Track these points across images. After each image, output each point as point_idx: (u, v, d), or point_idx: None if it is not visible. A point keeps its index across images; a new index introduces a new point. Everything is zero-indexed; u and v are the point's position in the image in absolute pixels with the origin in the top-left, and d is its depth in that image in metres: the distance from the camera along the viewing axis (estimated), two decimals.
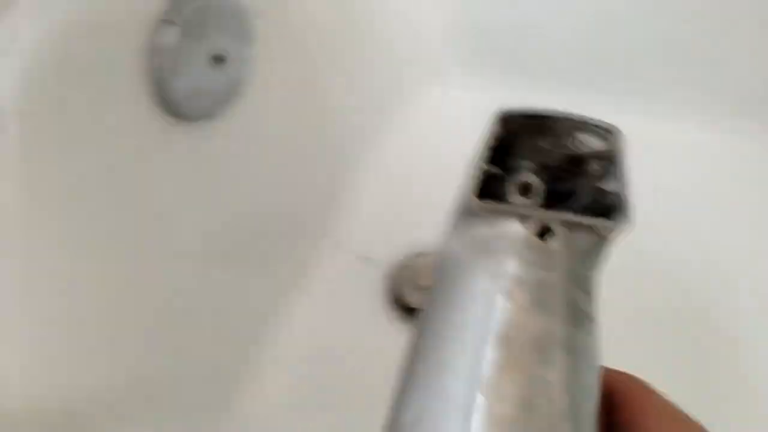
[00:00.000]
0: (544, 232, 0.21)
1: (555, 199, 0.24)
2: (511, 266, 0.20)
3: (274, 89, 0.48)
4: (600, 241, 0.21)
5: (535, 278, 0.20)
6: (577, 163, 0.25)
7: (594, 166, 0.24)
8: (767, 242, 0.56)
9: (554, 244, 0.21)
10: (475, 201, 0.21)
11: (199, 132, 0.44)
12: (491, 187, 0.23)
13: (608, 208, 0.22)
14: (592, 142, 0.23)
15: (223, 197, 0.48)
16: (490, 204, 0.21)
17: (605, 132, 0.23)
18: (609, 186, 0.23)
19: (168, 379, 0.45)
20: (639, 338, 0.48)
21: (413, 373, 0.20)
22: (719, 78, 0.59)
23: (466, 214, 0.22)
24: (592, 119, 0.23)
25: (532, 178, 0.23)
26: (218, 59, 0.43)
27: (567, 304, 0.20)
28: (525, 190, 0.23)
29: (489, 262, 0.21)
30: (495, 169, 0.23)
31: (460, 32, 0.66)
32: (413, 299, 0.55)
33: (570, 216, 0.21)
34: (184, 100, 0.41)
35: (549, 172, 0.25)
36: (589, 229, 0.21)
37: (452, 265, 0.22)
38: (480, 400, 0.18)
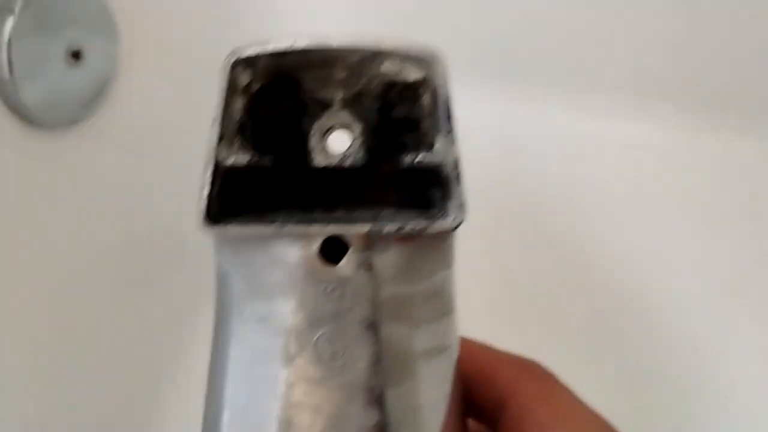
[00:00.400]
0: (334, 247, 0.15)
1: (389, 144, 0.18)
2: (287, 310, 0.15)
3: (145, 87, 0.43)
4: (423, 245, 0.15)
5: (322, 327, 0.15)
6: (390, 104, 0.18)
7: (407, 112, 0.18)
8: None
9: (349, 265, 0.15)
10: (204, 224, 0.15)
11: (61, 140, 0.38)
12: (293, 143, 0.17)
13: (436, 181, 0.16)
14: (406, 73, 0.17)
15: (98, 214, 0.42)
16: (227, 227, 0.15)
17: (418, 61, 0.16)
18: (428, 153, 0.16)
19: (67, 412, 0.39)
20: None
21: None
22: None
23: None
24: (383, 46, 0.16)
25: (343, 118, 0.17)
26: (75, 55, 0.37)
27: (373, 363, 0.15)
28: (336, 137, 0.17)
29: (259, 303, 0.15)
30: (241, 157, 0.16)
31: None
32: None
33: (359, 227, 0.14)
34: (38, 103, 0.35)
35: (366, 112, 0.18)
36: (404, 234, 0.15)
37: (224, 301, 0.16)
38: None
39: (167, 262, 0.48)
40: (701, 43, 0.52)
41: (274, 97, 0.16)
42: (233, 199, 0.16)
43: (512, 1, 0.54)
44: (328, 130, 0.17)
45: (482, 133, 0.54)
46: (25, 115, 0.35)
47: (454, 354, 0.17)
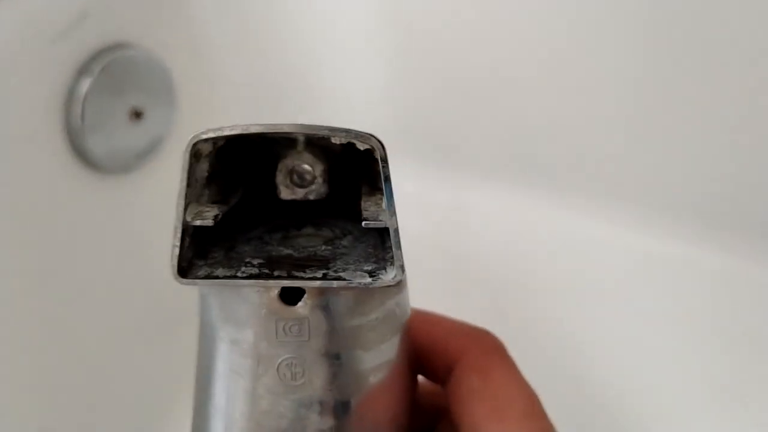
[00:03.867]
0: (292, 290, 0.17)
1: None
2: (253, 339, 0.17)
3: None
4: (375, 294, 0.18)
5: (283, 354, 0.17)
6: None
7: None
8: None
9: (305, 307, 0.17)
10: (177, 278, 0.16)
11: (113, 185, 0.44)
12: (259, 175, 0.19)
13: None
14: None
15: (132, 254, 0.47)
16: (197, 281, 0.17)
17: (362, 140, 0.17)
18: (376, 215, 0.17)
19: None
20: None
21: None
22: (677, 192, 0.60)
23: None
24: (333, 131, 0.16)
25: (307, 158, 0.19)
26: (137, 115, 0.44)
27: (328, 382, 0.17)
28: (300, 176, 0.19)
29: (231, 329, 0.18)
30: (208, 217, 0.17)
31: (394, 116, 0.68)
32: None
33: (312, 282, 0.16)
34: (100, 151, 0.42)
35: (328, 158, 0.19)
36: (352, 287, 0.17)
37: (205, 319, 0.19)
38: None
39: (185, 312, 0.52)
40: (710, 167, 0.55)
41: (238, 147, 0.18)
42: (204, 233, 0.17)
43: (534, 114, 0.59)
44: (293, 169, 0.19)
45: (496, 228, 0.59)
46: (88, 160, 0.41)
47: (402, 361, 0.19)
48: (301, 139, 0.19)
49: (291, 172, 0.19)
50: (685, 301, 0.55)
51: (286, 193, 0.19)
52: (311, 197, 0.19)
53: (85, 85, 0.40)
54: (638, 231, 0.58)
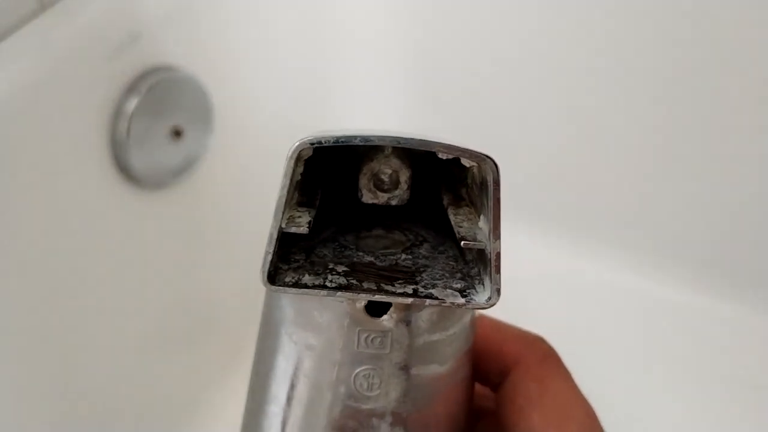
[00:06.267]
0: (377, 303, 0.17)
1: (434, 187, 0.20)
2: (333, 348, 0.17)
3: (226, 168, 0.51)
4: (456, 310, 0.18)
5: (363, 365, 0.17)
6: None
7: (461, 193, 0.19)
8: None
9: (390, 321, 0.17)
10: (266, 284, 0.16)
11: (151, 199, 0.45)
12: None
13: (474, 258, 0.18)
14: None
15: (163, 267, 0.48)
16: (286, 288, 0.16)
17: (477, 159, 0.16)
18: (472, 233, 0.17)
19: None
20: None
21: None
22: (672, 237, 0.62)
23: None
24: (455, 147, 0.16)
25: (394, 163, 0.18)
26: (177, 133, 0.45)
27: (403, 395, 0.17)
28: (390, 180, 0.18)
29: (308, 334, 0.18)
30: (302, 223, 0.17)
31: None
32: None
33: (403, 299, 0.16)
34: (141, 166, 0.43)
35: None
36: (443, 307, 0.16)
37: (275, 317, 0.19)
38: None
39: (207, 324, 0.53)
40: (733, 224, 0.58)
41: (327, 150, 0.17)
42: (288, 238, 0.17)
43: (566, 159, 0.61)
44: (378, 173, 0.18)
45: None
46: (129, 174, 0.43)
47: (469, 371, 0.20)
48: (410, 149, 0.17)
49: (375, 176, 0.18)
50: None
51: (368, 197, 0.18)
52: (393, 203, 0.18)
53: (133, 103, 0.41)
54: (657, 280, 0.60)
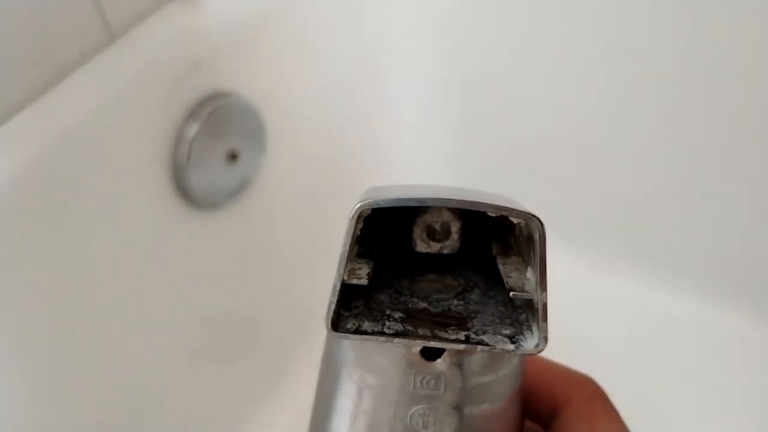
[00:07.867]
0: (432, 348, 0.18)
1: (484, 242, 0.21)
2: (391, 388, 0.18)
3: (277, 190, 0.53)
4: (504, 355, 0.19)
5: (418, 404, 0.18)
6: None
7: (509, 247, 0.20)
8: None
9: (444, 364, 0.18)
10: (331, 331, 0.18)
11: (205, 219, 0.47)
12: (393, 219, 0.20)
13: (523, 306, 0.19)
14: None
15: (220, 284, 0.50)
16: (348, 335, 0.18)
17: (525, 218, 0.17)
18: (520, 283, 0.18)
19: None
20: None
21: None
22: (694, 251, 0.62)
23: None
24: (504, 208, 0.17)
25: (446, 216, 0.19)
26: (233, 157, 0.47)
27: (457, 431, 0.18)
28: (442, 230, 0.20)
29: (367, 374, 0.19)
30: (362, 275, 0.18)
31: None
32: None
33: (456, 345, 0.17)
34: (198, 187, 0.45)
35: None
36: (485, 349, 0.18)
37: (337, 356, 0.20)
38: None
39: (242, 341, 0.55)
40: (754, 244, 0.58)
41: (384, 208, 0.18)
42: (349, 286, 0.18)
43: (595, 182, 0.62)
44: (430, 224, 0.19)
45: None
46: (187, 195, 0.45)
47: (520, 410, 0.21)
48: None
49: (428, 227, 0.19)
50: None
51: (422, 247, 0.20)
52: (445, 251, 0.20)
53: (194, 128, 0.44)
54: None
